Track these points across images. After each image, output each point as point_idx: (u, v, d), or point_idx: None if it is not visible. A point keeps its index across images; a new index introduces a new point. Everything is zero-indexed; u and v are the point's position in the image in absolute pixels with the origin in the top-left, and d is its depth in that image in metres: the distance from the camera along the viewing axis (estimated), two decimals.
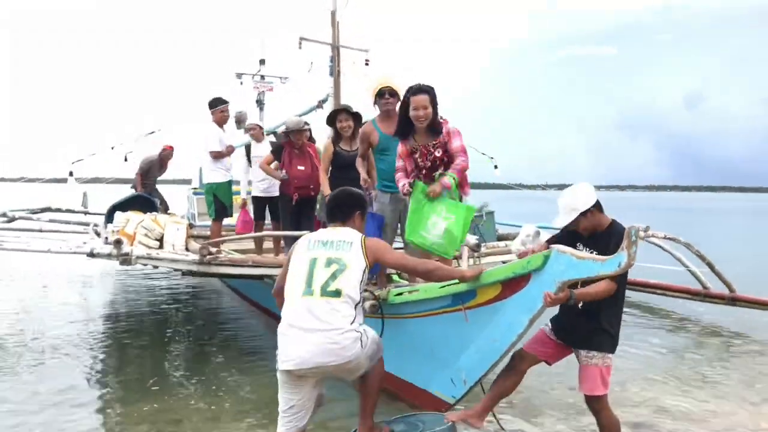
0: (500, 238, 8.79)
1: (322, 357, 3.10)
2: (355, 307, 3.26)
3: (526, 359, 3.65)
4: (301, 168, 6.50)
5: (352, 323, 3.20)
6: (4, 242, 6.28)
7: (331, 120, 5.77)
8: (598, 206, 3.36)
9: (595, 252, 3.24)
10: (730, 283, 8.05)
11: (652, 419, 4.58)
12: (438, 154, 4.51)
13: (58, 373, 5.53)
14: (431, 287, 4.14)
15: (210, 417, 4.59)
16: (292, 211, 6.63)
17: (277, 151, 6.78)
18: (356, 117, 5.76)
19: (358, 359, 3.21)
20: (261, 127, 8.17)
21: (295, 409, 3.26)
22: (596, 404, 3.46)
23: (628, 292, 8.82)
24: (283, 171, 6.56)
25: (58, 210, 12.85)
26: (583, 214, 3.31)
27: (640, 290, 8.89)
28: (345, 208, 3.60)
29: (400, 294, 4.36)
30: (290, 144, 6.61)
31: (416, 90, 4.42)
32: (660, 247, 8.56)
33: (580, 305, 3.32)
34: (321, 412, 3.68)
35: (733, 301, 8.02)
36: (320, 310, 3.13)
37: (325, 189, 5.56)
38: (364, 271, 3.30)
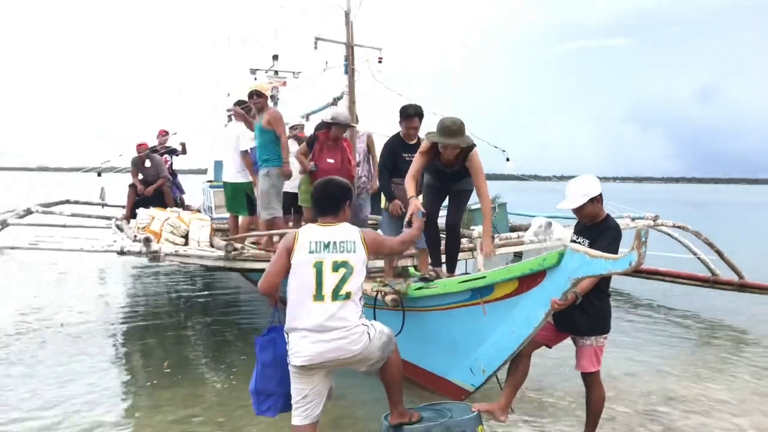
0: (513, 229, 8.94)
1: (333, 353, 3.33)
2: (359, 301, 3.48)
3: (530, 344, 3.93)
4: (331, 161, 6.34)
5: (360, 318, 3.45)
6: (39, 242, 6.51)
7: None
8: (600, 197, 3.71)
9: (587, 243, 3.61)
10: (740, 270, 8.20)
11: (661, 409, 4.78)
12: None
13: (77, 359, 5.80)
14: (450, 282, 4.38)
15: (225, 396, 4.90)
16: None
17: (311, 143, 6.57)
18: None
19: (366, 351, 3.43)
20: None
21: (309, 398, 3.44)
22: (590, 379, 3.86)
23: (638, 282, 9.04)
24: (313, 162, 6.41)
25: (77, 202, 13.01)
26: (591, 200, 3.64)
27: (650, 278, 9.02)
28: (338, 201, 3.58)
29: (419, 288, 4.58)
30: (325, 135, 6.42)
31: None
32: (669, 235, 8.70)
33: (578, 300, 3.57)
34: (336, 402, 3.96)
35: (742, 287, 8.18)
36: (333, 313, 3.32)
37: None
38: (366, 266, 3.49)
